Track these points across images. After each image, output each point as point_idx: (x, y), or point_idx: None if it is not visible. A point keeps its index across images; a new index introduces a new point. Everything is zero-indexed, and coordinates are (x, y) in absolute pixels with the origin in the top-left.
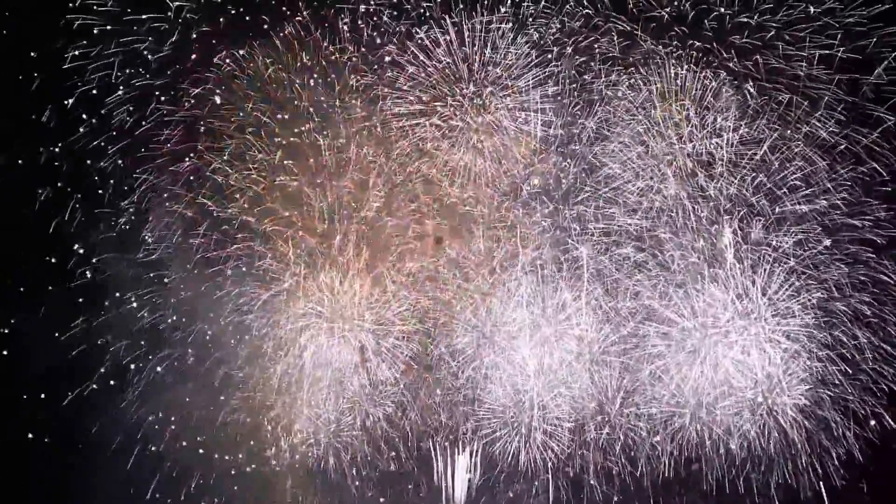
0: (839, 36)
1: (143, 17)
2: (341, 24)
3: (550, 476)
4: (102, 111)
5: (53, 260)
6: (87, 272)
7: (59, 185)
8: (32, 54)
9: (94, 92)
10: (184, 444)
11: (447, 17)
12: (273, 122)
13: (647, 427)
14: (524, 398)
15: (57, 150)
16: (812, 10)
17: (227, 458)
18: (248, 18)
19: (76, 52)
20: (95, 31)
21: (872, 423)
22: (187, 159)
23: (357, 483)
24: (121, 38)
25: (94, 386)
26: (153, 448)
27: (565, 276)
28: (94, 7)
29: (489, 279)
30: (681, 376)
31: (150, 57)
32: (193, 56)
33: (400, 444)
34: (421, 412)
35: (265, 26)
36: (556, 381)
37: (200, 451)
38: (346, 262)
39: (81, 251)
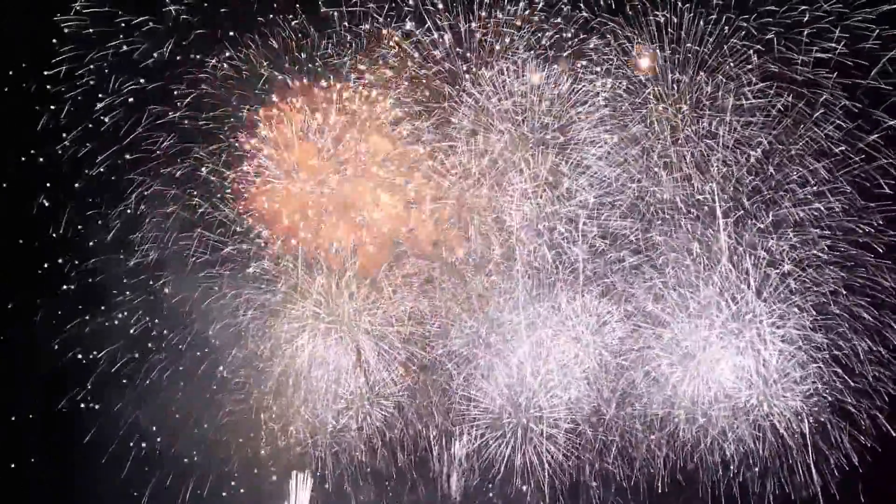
0: (835, 37)
1: (136, 20)
2: (339, 27)
3: (547, 477)
4: (95, 115)
5: (49, 264)
6: (83, 276)
7: (52, 190)
8: (23, 64)
9: (84, 97)
10: (180, 447)
11: (445, 16)
12: (266, 124)
13: (643, 429)
14: (521, 399)
15: (48, 156)
16: (808, 16)
17: (222, 458)
18: (242, 19)
19: (68, 57)
20: (88, 35)
21: (869, 426)
22: (181, 161)
23: (353, 485)
24: (113, 42)
25: (89, 390)
26: (148, 452)
27: (561, 279)
28: (82, 10)
29: (485, 281)
30: (676, 378)
31: (143, 60)
32: (180, 58)
33: (397, 445)
34: (418, 413)
35: (260, 27)
36: (552, 383)
37: (196, 454)
38: (343, 265)
39: (76, 255)
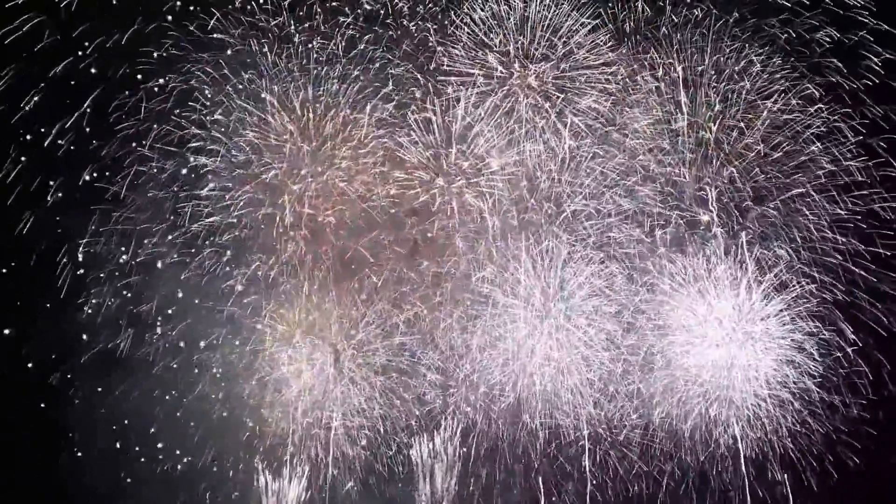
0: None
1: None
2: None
3: (525, 483)
4: (64, 126)
5: (34, 267)
6: (67, 278)
7: (37, 195)
8: None
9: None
10: (159, 453)
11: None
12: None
13: (620, 441)
14: (505, 407)
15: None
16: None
17: (204, 463)
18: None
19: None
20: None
21: (848, 440)
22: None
23: (338, 485)
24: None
25: (61, 404)
26: (135, 454)
27: (547, 291)
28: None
29: (471, 296)
30: (653, 391)
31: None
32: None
33: (380, 448)
34: (399, 417)
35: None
36: (534, 392)
37: (176, 463)
38: (326, 271)
39: (63, 259)
